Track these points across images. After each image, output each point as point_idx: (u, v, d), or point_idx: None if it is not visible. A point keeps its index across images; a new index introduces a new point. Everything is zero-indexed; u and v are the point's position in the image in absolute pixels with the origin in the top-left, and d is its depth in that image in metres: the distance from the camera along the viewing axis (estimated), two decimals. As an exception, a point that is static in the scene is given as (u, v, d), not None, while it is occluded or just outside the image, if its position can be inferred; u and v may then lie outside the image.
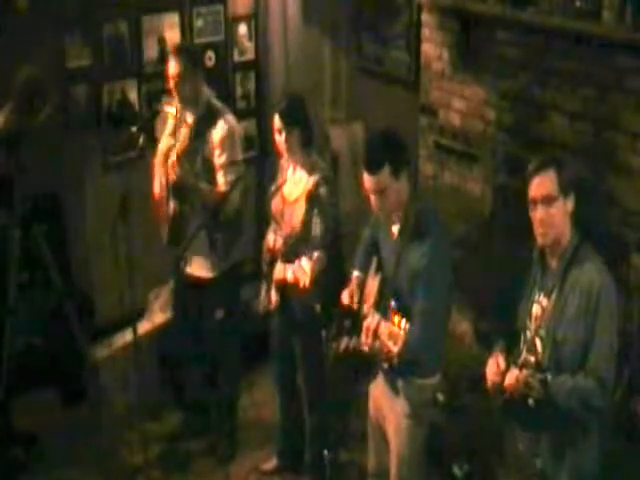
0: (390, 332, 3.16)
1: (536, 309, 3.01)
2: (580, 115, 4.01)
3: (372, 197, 3.33)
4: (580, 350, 2.87)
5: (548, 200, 2.87)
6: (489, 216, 4.66)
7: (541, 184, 2.88)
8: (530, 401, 2.88)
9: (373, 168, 3.26)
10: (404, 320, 3.11)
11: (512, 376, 2.91)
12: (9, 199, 4.24)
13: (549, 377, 2.84)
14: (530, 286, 3.08)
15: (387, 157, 3.24)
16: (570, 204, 2.90)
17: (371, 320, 3.29)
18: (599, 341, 2.84)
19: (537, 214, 2.90)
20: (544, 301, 2.97)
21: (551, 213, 2.87)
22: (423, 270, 3.26)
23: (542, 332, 2.95)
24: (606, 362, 2.86)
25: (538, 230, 2.92)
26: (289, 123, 3.84)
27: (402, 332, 3.10)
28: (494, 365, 3.02)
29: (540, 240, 2.94)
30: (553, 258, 2.97)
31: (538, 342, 2.96)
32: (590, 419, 2.95)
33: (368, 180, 3.29)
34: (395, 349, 3.17)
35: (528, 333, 3.02)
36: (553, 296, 2.93)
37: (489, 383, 3.03)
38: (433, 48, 4.87)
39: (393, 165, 3.24)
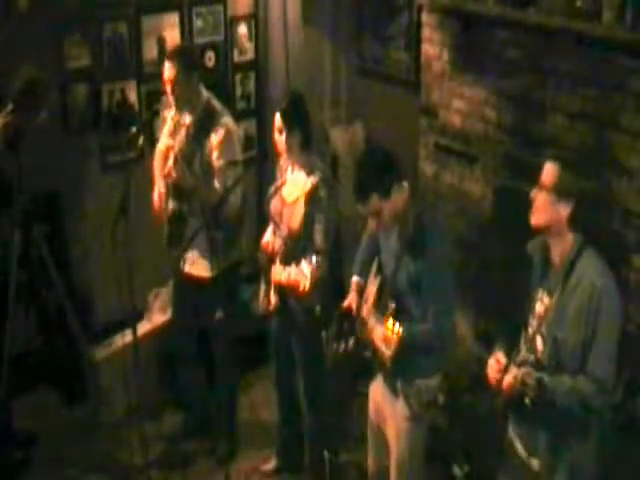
0: (384, 336, 3.18)
1: (539, 307, 3.02)
2: (580, 115, 4.01)
3: (368, 218, 3.35)
4: (580, 351, 2.88)
5: (541, 185, 2.97)
6: (489, 216, 4.66)
7: (545, 168, 2.98)
8: (527, 400, 2.90)
9: (360, 198, 3.29)
10: (398, 324, 3.13)
11: (510, 375, 2.93)
12: (9, 199, 4.24)
13: (545, 377, 2.86)
14: (532, 283, 3.09)
15: (372, 186, 3.26)
16: (564, 208, 2.93)
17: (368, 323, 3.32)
18: (599, 343, 2.86)
19: (532, 192, 3.00)
20: (546, 299, 2.99)
21: (540, 198, 2.96)
22: (428, 273, 3.27)
23: (544, 330, 2.96)
24: (606, 365, 2.88)
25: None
26: (291, 122, 3.83)
27: (395, 337, 3.12)
28: (495, 362, 3.04)
29: (531, 218, 3.02)
30: (557, 256, 3.00)
31: (539, 340, 2.97)
32: (589, 419, 2.96)
33: (359, 206, 3.32)
34: (388, 353, 3.20)
35: (530, 330, 3.03)
36: (555, 295, 2.95)
37: (491, 381, 3.03)
38: (433, 48, 4.86)
39: (380, 191, 3.26)
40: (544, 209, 2.96)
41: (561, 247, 2.98)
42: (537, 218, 2.99)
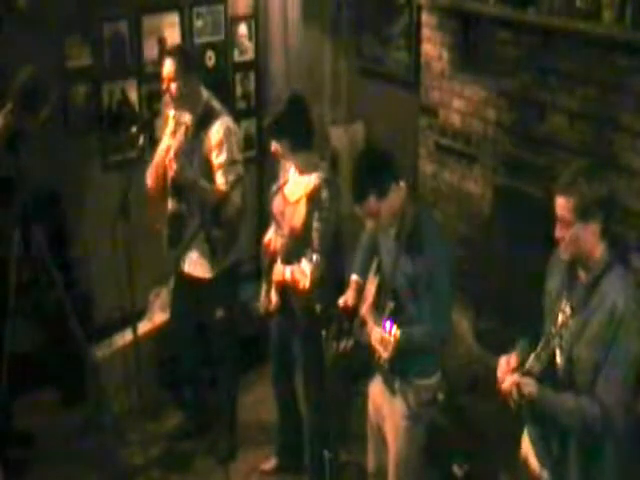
0: (381, 338, 3.19)
1: (561, 317, 2.88)
2: (580, 115, 4.01)
3: (366, 218, 3.35)
4: (593, 371, 2.77)
5: (562, 221, 2.79)
6: (489, 216, 4.66)
7: (558, 204, 2.79)
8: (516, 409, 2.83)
9: (357, 198, 3.29)
10: (395, 327, 3.12)
11: (510, 380, 2.84)
12: (9, 199, 4.24)
13: (541, 392, 2.78)
14: (557, 292, 2.96)
15: (369, 187, 3.26)
16: (595, 225, 2.77)
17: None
18: (610, 368, 2.73)
19: (556, 230, 2.82)
20: (568, 311, 2.86)
21: (566, 233, 2.79)
22: (426, 273, 3.27)
23: (563, 342, 2.85)
24: (615, 391, 2.74)
25: (559, 244, 2.86)
26: (275, 136, 3.83)
27: (392, 339, 3.12)
28: (504, 363, 2.94)
29: (561, 254, 2.87)
30: (583, 269, 2.86)
31: (558, 352, 2.87)
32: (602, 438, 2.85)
33: (356, 207, 3.32)
34: (385, 354, 3.20)
35: (550, 339, 2.91)
36: (577, 309, 2.83)
37: (498, 380, 2.94)
38: (433, 48, 4.87)
39: (377, 191, 3.26)
40: (575, 241, 2.78)
41: (589, 260, 2.82)
42: (570, 250, 2.81)
